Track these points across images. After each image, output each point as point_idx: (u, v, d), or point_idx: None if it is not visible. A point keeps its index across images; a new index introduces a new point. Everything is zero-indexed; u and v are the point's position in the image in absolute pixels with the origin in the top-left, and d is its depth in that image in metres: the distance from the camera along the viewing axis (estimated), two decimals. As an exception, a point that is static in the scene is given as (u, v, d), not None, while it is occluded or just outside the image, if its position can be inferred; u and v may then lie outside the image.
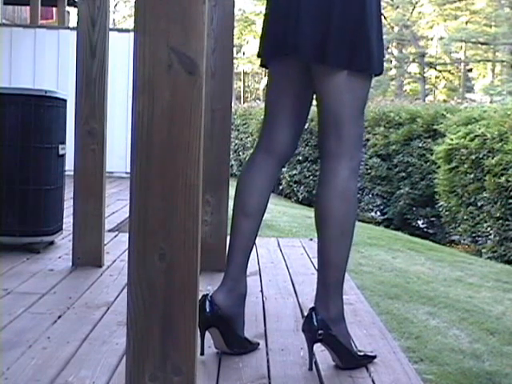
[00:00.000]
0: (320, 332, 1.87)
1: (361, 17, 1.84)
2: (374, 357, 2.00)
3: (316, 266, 3.35)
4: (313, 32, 1.84)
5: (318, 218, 1.91)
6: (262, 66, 2.08)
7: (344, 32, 1.83)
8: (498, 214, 6.83)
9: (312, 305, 1.93)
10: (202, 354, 1.95)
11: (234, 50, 3.50)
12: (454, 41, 28.12)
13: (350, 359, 1.93)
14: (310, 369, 1.90)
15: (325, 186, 1.90)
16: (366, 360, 1.97)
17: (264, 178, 1.99)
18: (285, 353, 2.05)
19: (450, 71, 30.83)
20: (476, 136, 7.28)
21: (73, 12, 13.28)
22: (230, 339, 1.96)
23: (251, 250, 2.02)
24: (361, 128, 1.95)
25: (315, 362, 1.95)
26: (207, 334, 1.94)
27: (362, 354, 1.97)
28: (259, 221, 2.00)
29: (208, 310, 1.90)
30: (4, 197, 3.29)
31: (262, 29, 2.03)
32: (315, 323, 1.87)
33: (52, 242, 3.55)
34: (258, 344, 2.07)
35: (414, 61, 29.48)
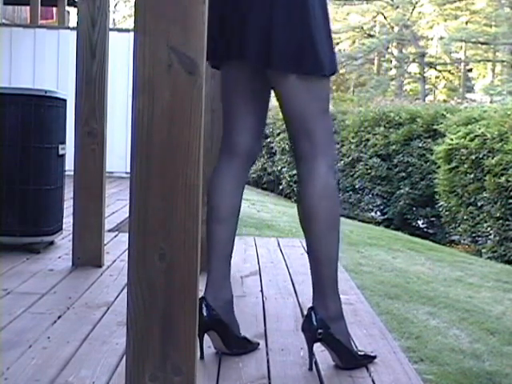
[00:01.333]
0: (320, 331, 1.87)
1: (305, 21, 1.81)
2: (374, 357, 2.00)
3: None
4: (256, 37, 1.82)
5: (303, 218, 1.91)
6: (213, 67, 2.06)
7: (288, 36, 1.80)
8: (498, 214, 6.83)
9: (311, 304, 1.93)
10: (202, 357, 1.94)
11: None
12: (454, 41, 28.11)
13: (350, 359, 1.93)
14: (310, 369, 1.90)
15: (305, 186, 1.90)
16: (366, 360, 1.97)
17: (232, 182, 1.99)
18: (285, 353, 2.05)
19: (450, 71, 30.82)
20: (476, 136, 7.29)
21: (73, 12, 13.28)
22: (229, 341, 1.96)
23: (231, 255, 2.01)
24: (328, 124, 1.95)
25: (315, 362, 1.95)
26: (206, 336, 1.94)
27: (362, 353, 1.97)
28: (234, 224, 1.99)
29: (205, 313, 1.90)
30: (4, 197, 3.29)
31: (208, 32, 2.01)
32: (314, 323, 1.87)
33: (52, 242, 3.55)
34: (258, 344, 2.07)
35: (414, 61, 29.47)
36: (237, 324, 2.00)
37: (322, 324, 1.87)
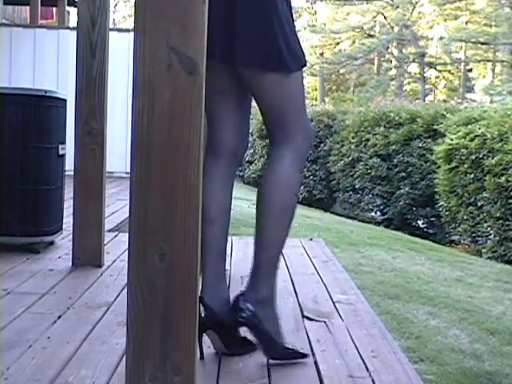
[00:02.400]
0: (244, 315, 1.85)
1: (268, 18, 1.82)
2: (305, 355, 1.96)
3: (316, 266, 3.36)
4: (222, 35, 1.83)
5: (259, 201, 1.93)
6: None
7: (252, 34, 1.82)
8: (498, 214, 6.83)
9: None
10: (202, 358, 1.94)
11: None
12: (454, 41, 28.10)
13: (275, 349, 1.90)
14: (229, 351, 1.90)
15: (269, 172, 1.93)
16: (294, 354, 1.93)
17: (220, 181, 2.00)
18: (285, 353, 2.04)
19: (450, 71, 30.81)
20: (476, 136, 7.29)
21: (73, 12, 13.28)
22: (228, 340, 1.96)
23: (225, 255, 2.02)
24: (304, 120, 1.96)
25: (315, 362, 1.95)
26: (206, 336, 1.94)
27: (289, 346, 1.95)
28: (226, 223, 2.00)
29: (203, 313, 1.89)
30: (4, 197, 3.28)
31: None
32: (241, 305, 1.86)
33: (52, 242, 3.55)
34: (257, 344, 2.06)
35: (414, 61, 29.46)
36: (235, 324, 2.00)
37: (249, 308, 1.86)
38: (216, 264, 1.97)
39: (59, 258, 3.30)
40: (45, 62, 8.17)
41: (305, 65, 1.94)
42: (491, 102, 19.86)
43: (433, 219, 8.83)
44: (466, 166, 7.39)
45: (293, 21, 1.92)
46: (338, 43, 31.02)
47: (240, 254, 3.59)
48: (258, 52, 1.84)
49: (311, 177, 11.39)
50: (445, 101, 23.82)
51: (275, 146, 1.95)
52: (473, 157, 7.25)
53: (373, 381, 1.85)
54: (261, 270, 1.91)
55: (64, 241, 3.61)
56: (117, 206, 5.30)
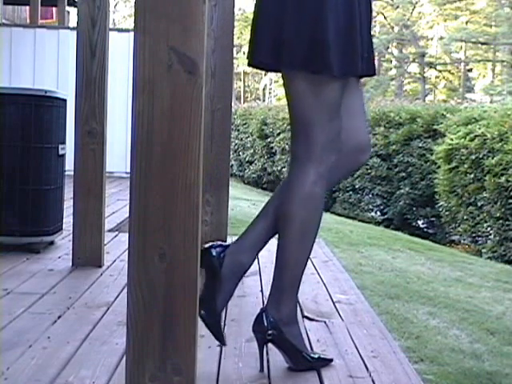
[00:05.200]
0: (270, 332, 1.85)
1: (317, 18, 1.75)
2: (330, 360, 1.96)
3: (316, 266, 3.36)
4: (269, 36, 1.80)
5: (280, 219, 1.88)
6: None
7: (299, 33, 1.76)
8: (498, 214, 6.83)
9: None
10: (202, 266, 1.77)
11: (234, 49, 3.50)
12: (454, 41, 28.13)
13: (302, 361, 1.90)
14: (262, 370, 1.87)
15: (290, 190, 1.87)
16: (320, 362, 1.93)
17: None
18: (285, 353, 2.04)
19: (450, 71, 30.84)
20: (476, 136, 7.29)
21: (73, 12, 13.29)
22: (210, 302, 1.86)
23: (259, 249, 1.95)
24: (331, 131, 1.86)
25: (315, 362, 1.95)
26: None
27: (316, 356, 1.94)
28: (274, 231, 1.93)
29: (214, 253, 1.85)
30: (4, 197, 3.29)
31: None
32: (265, 324, 1.86)
33: (52, 242, 3.55)
34: (223, 344, 1.94)
35: (414, 61, 29.50)
36: (228, 295, 1.90)
37: (273, 325, 1.85)
38: (255, 238, 1.91)
39: (59, 257, 3.30)
40: (45, 62, 8.17)
41: (347, 73, 1.84)
42: (491, 101, 19.88)
43: (433, 219, 8.83)
44: (465, 166, 7.38)
45: (353, 26, 1.80)
46: (338, 43, 31.00)
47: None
48: (304, 51, 1.76)
49: (311, 177, 11.39)
50: (445, 101, 23.84)
51: (297, 161, 1.87)
52: (473, 157, 7.25)
53: (373, 381, 1.86)
54: (282, 291, 1.88)
55: (64, 241, 3.61)
56: (117, 205, 5.30)
